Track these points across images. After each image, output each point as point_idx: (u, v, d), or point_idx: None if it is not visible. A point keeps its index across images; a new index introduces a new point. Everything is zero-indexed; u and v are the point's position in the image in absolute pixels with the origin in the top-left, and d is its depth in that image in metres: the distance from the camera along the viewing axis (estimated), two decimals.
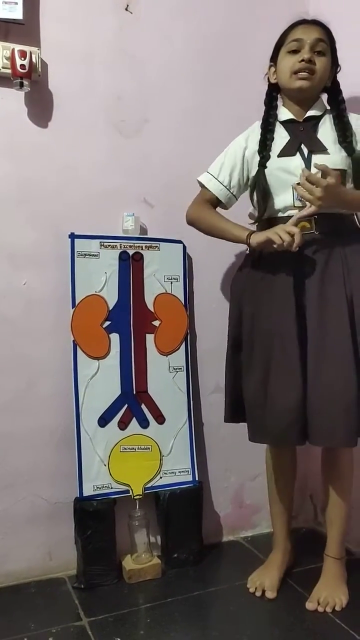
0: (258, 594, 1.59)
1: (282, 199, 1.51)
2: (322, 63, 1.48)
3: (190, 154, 1.84)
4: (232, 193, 1.60)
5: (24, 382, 1.69)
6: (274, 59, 1.54)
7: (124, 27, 1.75)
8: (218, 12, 1.87)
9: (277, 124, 1.56)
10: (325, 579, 1.56)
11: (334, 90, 1.55)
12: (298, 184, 1.43)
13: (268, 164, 1.52)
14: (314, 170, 1.44)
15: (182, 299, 1.83)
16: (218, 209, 1.63)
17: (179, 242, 1.83)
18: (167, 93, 1.82)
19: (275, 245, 1.42)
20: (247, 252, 1.62)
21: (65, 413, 1.70)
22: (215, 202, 1.63)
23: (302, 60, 1.45)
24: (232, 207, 1.64)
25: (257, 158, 1.54)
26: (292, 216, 1.48)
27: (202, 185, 1.63)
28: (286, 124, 1.55)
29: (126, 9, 1.75)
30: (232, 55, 1.89)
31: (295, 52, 1.48)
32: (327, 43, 1.48)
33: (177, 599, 1.58)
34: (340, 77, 1.56)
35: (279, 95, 1.58)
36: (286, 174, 1.49)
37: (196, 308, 1.88)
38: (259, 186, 1.52)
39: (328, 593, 1.52)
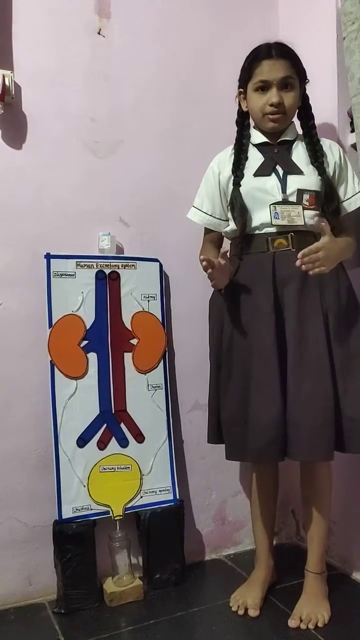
0: (241, 612, 1.57)
1: (259, 216, 1.53)
2: (291, 97, 1.51)
3: (164, 173, 1.87)
4: (220, 219, 1.63)
5: (1, 404, 1.67)
6: (242, 85, 1.56)
7: (96, 50, 1.78)
8: (191, 35, 1.90)
9: (250, 146, 1.59)
10: (307, 595, 1.56)
11: (304, 107, 1.58)
12: (275, 204, 1.49)
13: (243, 183, 1.54)
14: (290, 190, 1.50)
15: (159, 317, 1.83)
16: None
17: (156, 260, 1.84)
18: (141, 114, 1.84)
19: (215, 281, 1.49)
20: None
21: (43, 434, 1.68)
22: (213, 234, 1.66)
23: (272, 104, 1.49)
24: None
25: (232, 178, 1.57)
26: (270, 234, 1.51)
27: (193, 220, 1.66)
28: (259, 146, 1.58)
29: (98, 33, 1.77)
30: (205, 77, 1.93)
31: (263, 89, 1.50)
32: (294, 76, 1.50)
33: (160, 621, 1.56)
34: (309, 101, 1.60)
35: (250, 119, 1.61)
36: (262, 193, 1.52)
37: (174, 326, 1.89)
38: (236, 205, 1.54)
39: (310, 610, 1.52)
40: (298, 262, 1.38)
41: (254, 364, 1.49)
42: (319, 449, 1.43)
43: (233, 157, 1.58)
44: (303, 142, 1.57)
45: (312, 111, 1.59)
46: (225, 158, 1.61)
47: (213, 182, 1.61)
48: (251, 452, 1.50)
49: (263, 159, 1.55)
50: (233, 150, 1.60)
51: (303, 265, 1.38)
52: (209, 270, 1.43)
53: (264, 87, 1.50)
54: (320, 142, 1.56)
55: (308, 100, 1.59)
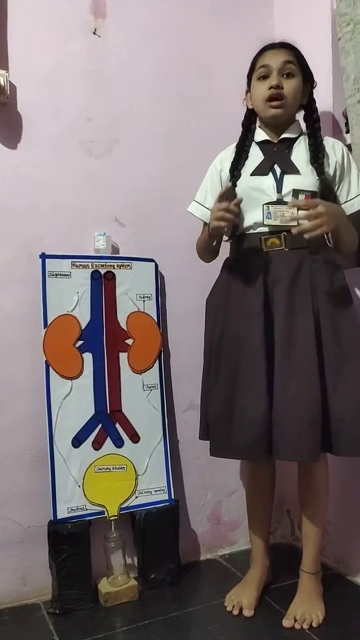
0: (235, 612, 1.57)
1: (252, 216, 1.53)
2: (292, 85, 1.51)
3: (160, 173, 1.87)
4: None
5: None
6: (249, 85, 1.57)
7: (92, 50, 1.78)
8: (186, 37, 1.91)
9: (253, 144, 1.59)
10: (301, 595, 1.56)
11: (309, 107, 1.58)
12: (268, 204, 1.48)
13: (240, 182, 1.55)
14: (286, 189, 1.49)
15: (154, 317, 1.83)
16: None
17: (151, 260, 1.84)
18: (137, 114, 1.85)
19: (221, 225, 1.46)
20: (221, 268, 1.64)
21: (38, 434, 1.68)
22: None
23: (271, 87, 1.49)
24: None
25: (230, 176, 1.57)
26: (263, 233, 1.51)
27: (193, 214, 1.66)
28: (261, 144, 1.58)
29: (94, 33, 1.77)
30: (201, 78, 1.93)
31: (264, 77, 1.51)
32: (295, 64, 1.51)
33: (154, 621, 1.56)
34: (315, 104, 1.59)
35: (257, 118, 1.61)
36: (257, 193, 1.52)
37: (169, 326, 1.89)
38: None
39: (304, 609, 1.52)
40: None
41: (242, 361, 1.49)
42: (304, 448, 1.42)
43: (234, 155, 1.59)
44: (306, 141, 1.56)
45: (317, 113, 1.58)
46: (227, 156, 1.62)
47: (215, 178, 1.62)
48: (236, 449, 1.50)
49: (263, 157, 1.55)
50: (235, 149, 1.60)
51: (307, 222, 1.37)
52: (227, 217, 1.42)
53: (265, 73, 1.50)
54: (323, 142, 1.55)
55: (314, 103, 1.59)
